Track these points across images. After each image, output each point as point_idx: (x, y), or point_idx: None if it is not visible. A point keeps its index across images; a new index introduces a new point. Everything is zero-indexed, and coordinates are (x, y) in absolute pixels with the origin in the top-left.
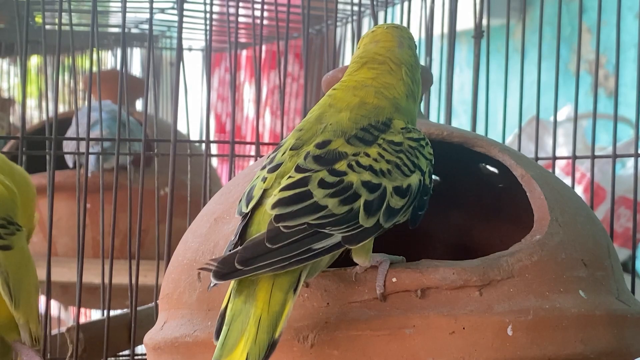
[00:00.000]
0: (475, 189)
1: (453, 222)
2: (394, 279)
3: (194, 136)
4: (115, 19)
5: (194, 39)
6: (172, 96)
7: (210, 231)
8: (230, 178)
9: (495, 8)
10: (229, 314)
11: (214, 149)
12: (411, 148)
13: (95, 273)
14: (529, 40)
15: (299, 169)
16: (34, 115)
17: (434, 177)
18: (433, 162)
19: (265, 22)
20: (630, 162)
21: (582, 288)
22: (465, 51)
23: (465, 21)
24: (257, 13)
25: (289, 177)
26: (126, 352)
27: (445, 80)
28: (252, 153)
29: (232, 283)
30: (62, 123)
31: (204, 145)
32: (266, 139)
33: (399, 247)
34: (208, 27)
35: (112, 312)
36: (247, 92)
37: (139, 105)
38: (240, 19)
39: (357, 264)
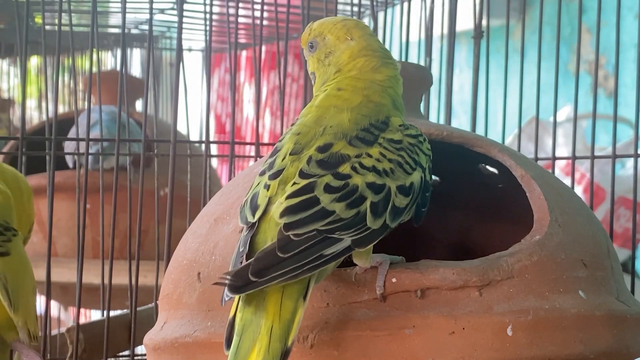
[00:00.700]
0: (475, 189)
1: (453, 223)
2: (394, 280)
3: (194, 137)
4: (115, 19)
5: (194, 39)
6: (172, 97)
7: (210, 231)
8: (230, 178)
9: (494, 8)
10: (239, 323)
11: (213, 149)
12: (411, 145)
13: (95, 273)
14: (529, 41)
15: (303, 175)
16: (34, 116)
17: (434, 177)
18: (431, 158)
19: (265, 22)
20: (630, 162)
21: (582, 288)
22: (465, 51)
23: (465, 21)
24: (257, 14)
25: (294, 183)
26: (126, 352)
27: (445, 81)
28: (252, 154)
29: None
30: (62, 124)
31: (203, 145)
32: (266, 140)
33: (398, 247)
34: (208, 28)
35: (112, 313)
36: (247, 93)
37: (138, 105)
38: (240, 20)
39: (357, 265)
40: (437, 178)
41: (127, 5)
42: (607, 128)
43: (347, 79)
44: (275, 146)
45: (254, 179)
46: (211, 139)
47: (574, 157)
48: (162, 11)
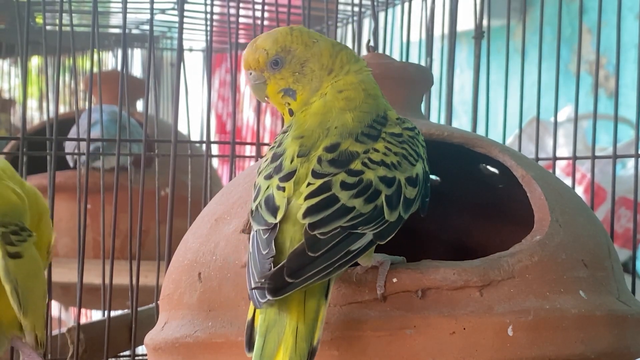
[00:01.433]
0: (476, 189)
1: (453, 223)
2: (395, 280)
3: (195, 137)
4: (116, 19)
5: (195, 39)
6: (172, 97)
7: (211, 232)
8: (230, 178)
9: (495, 9)
10: (262, 325)
11: (214, 149)
12: (410, 138)
13: (96, 273)
14: (530, 41)
15: (316, 175)
16: (35, 116)
17: (434, 177)
18: (426, 149)
19: (265, 22)
20: (631, 162)
21: (583, 288)
22: (466, 52)
23: (466, 22)
24: (258, 14)
25: (309, 184)
26: (127, 352)
27: (446, 81)
28: (253, 154)
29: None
30: (62, 124)
31: (204, 145)
32: (266, 140)
33: (399, 247)
34: (209, 28)
35: (113, 313)
36: (248, 93)
37: (139, 105)
38: (241, 20)
39: (358, 264)
40: (437, 178)
41: (128, 5)
42: (608, 128)
43: (342, 79)
44: (272, 152)
45: (254, 180)
46: (212, 139)
47: (574, 158)
48: (163, 11)
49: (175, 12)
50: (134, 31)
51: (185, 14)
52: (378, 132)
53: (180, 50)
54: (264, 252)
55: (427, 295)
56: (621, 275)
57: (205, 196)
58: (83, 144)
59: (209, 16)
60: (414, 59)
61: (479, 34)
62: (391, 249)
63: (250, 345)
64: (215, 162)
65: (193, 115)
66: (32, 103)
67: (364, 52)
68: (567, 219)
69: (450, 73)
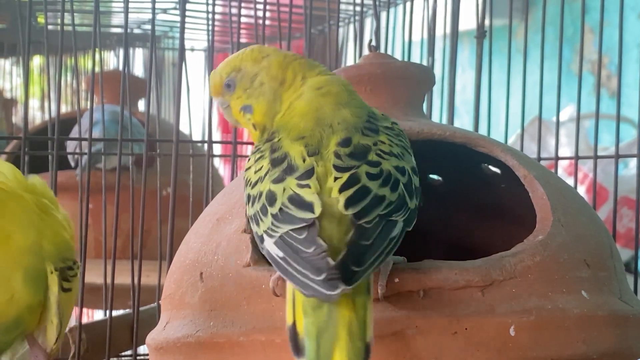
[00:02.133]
0: (478, 189)
1: (455, 223)
2: (397, 280)
3: (197, 136)
4: (117, 19)
5: (197, 39)
6: (174, 96)
7: (213, 231)
8: (232, 178)
9: (497, 8)
10: (311, 327)
11: (216, 149)
12: (400, 131)
13: (98, 273)
14: (532, 41)
15: (340, 169)
16: (37, 116)
17: (436, 177)
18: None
19: (267, 22)
20: (633, 162)
21: (585, 288)
22: (468, 51)
23: (468, 21)
24: (260, 13)
25: (336, 178)
26: (128, 352)
27: (448, 81)
28: None
29: (290, 295)
30: (64, 123)
31: (206, 145)
32: None
33: (400, 247)
34: (210, 28)
35: (115, 313)
36: None
37: (141, 105)
38: (243, 19)
39: None
40: (439, 178)
41: (130, 5)
42: (610, 128)
43: (315, 78)
44: (268, 159)
45: (244, 192)
46: (214, 138)
47: (576, 157)
48: (164, 11)
49: (177, 12)
50: (136, 31)
51: (187, 13)
52: (376, 127)
53: (182, 49)
54: (312, 249)
55: (429, 295)
56: (623, 275)
57: (206, 196)
58: (85, 144)
59: (210, 16)
60: (415, 58)
61: (481, 33)
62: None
63: (297, 350)
64: (217, 161)
65: (195, 115)
66: (34, 103)
67: (365, 51)
68: (569, 218)
69: (452, 73)
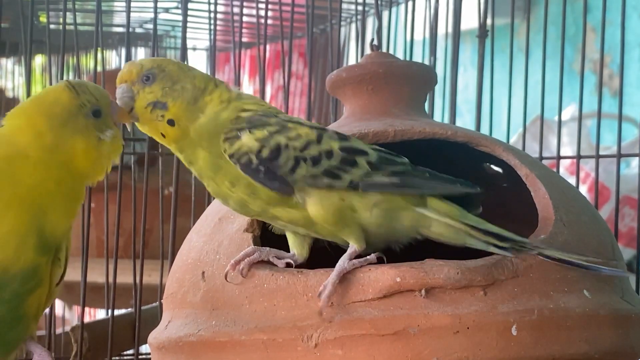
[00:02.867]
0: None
1: None
2: (398, 279)
3: None
4: (119, 18)
5: (198, 38)
6: None
7: (215, 230)
8: None
9: (499, 7)
10: None
11: None
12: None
13: (100, 272)
14: (534, 40)
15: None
16: None
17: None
18: None
19: (269, 21)
20: (635, 161)
21: (587, 288)
22: (470, 51)
23: (470, 21)
24: (262, 12)
25: None
26: (130, 351)
27: (450, 80)
28: None
29: None
30: None
31: None
32: None
33: (401, 247)
34: (212, 27)
35: (117, 312)
36: (251, 91)
37: None
38: (245, 19)
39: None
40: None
41: (132, 4)
42: (612, 127)
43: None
44: (306, 128)
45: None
46: None
47: (578, 157)
48: (166, 10)
49: (179, 11)
50: (138, 30)
51: (189, 12)
52: None
53: (184, 49)
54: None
55: (431, 294)
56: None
57: (208, 195)
58: None
59: (212, 15)
60: (417, 57)
61: (483, 32)
62: (392, 248)
63: None
64: None
65: None
66: None
67: (367, 50)
68: (571, 218)
69: (454, 72)
